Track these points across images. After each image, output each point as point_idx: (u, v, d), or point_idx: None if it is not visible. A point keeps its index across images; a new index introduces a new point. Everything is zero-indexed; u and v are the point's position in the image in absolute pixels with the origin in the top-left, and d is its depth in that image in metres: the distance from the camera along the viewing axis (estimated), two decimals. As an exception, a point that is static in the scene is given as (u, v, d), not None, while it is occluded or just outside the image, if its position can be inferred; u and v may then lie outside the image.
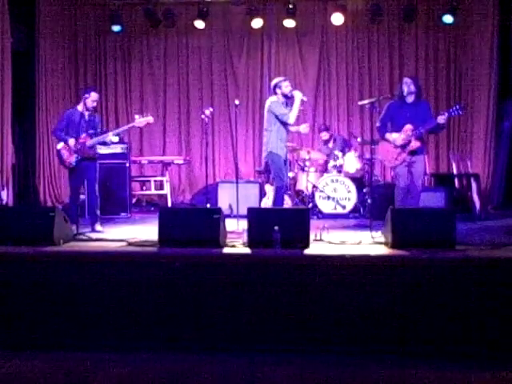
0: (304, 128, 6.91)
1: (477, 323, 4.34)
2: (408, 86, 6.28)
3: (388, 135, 6.31)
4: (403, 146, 6.20)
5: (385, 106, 6.43)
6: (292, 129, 6.80)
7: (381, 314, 4.42)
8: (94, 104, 6.63)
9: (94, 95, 6.61)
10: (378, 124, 6.44)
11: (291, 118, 6.45)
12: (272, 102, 6.52)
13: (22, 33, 8.97)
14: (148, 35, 10.20)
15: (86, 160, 6.56)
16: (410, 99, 6.30)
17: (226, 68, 10.22)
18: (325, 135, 9.12)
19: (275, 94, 6.59)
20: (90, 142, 6.51)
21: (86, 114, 6.63)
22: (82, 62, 10.14)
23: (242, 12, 9.77)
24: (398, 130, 6.24)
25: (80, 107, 6.66)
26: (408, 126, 6.15)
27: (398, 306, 4.43)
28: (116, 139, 6.75)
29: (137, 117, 6.81)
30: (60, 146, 6.64)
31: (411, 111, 6.23)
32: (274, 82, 6.68)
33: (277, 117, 6.45)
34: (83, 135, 6.53)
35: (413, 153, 6.20)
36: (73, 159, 6.56)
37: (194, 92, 10.27)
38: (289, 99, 6.55)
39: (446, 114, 6.07)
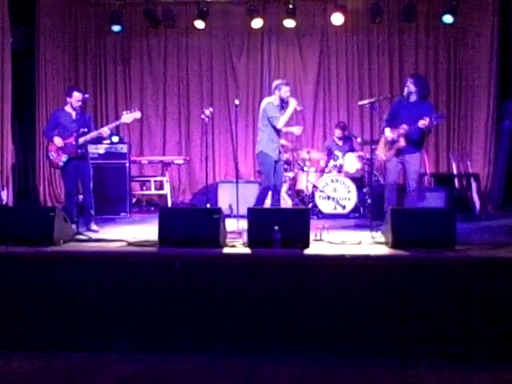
0: (297, 129, 7.04)
1: (477, 323, 4.34)
2: (408, 85, 6.32)
3: (386, 130, 6.39)
4: (391, 143, 6.29)
5: (393, 102, 6.49)
6: (284, 129, 6.88)
7: (381, 313, 4.42)
8: (79, 103, 6.59)
9: (76, 95, 6.59)
10: (383, 124, 6.52)
11: (280, 123, 6.55)
12: (267, 102, 6.62)
13: (22, 33, 8.97)
14: (148, 35, 10.19)
15: (75, 159, 6.54)
16: (413, 99, 6.34)
17: (225, 68, 10.21)
18: (338, 133, 9.03)
19: (274, 94, 6.65)
20: (78, 142, 6.49)
21: (74, 113, 6.63)
22: (81, 62, 10.13)
23: (241, 12, 9.75)
24: (396, 127, 6.28)
25: (67, 108, 6.67)
26: (404, 126, 6.19)
27: (398, 306, 4.43)
28: (108, 132, 6.67)
29: (124, 113, 6.79)
30: (49, 146, 6.68)
31: (410, 111, 6.25)
32: (276, 82, 6.73)
33: (268, 118, 6.53)
34: (73, 135, 6.54)
35: (399, 152, 6.24)
36: (61, 159, 6.57)
37: (194, 92, 10.26)
38: (285, 103, 6.62)
39: (428, 119, 6.06)
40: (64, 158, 6.56)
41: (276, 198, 6.75)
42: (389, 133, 6.34)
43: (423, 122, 6.03)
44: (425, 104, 6.41)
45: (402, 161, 6.30)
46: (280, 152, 6.75)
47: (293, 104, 6.56)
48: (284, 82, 6.68)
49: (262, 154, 6.62)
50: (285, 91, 6.58)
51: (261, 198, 6.64)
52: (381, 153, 6.60)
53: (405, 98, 6.41)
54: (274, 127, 6.54)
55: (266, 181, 6.63)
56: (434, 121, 6.20)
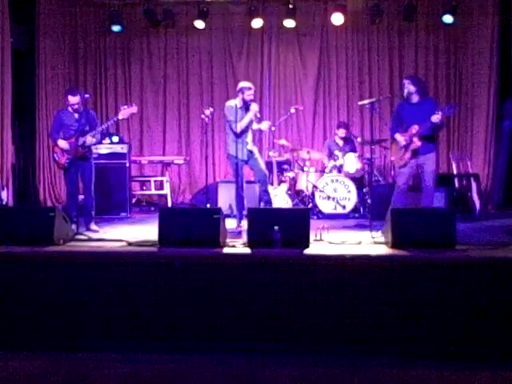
0: (264, 125, 7.10)
1: (477, 323, 4.34)
2: (407, 87, 6.28)
3: (396, 135, 6.34)
4: (406, 146, 6.22)
5: (395, 107, 6.41)
6: (253, 126, 6.96)
7: (381, 313, 4.42)
8: (75, 107, 6.60)
9: (70, 99, 6.60)
10: (392, 131, 6.49)
11: (237, 127, 6.63)
12: (227, 106, 6.77)
13: (22, 33, 8.97)
14: (148, 35, 10.19)
15: (79, 160, 6.55)
16: (415, 99, 6.28)
17: (226, 68, 10.20)
18: (342, 132, 8.95)
19: (238, 96, 6.76)
20: (80, 141, 6.50)
21: (76, 114, 6.63)
22: (82, 62, 10.13)
23: (241, 12, 9.76)
24: (406, 130, 6.25)
25: (70, 108, 6.67)
26: (414, 126, 6.14)
27: (397, 305, 4.43)
28: (91, 140, 6.54)
29: (122, 108, 6.78)
30: (54, 148, 6.70)
31: (416, 111, 6.20)
32: (240, 85, 6.85)
33: (227, 122, 6.70)
34: (75, 135, 6.54)
35: (416, 153, 6.19)
36: (65, 160, 6.57)
37: (194, 92, 10.26)
38: (248, 106, 6.69)
39: (441, 113, 6.06)
40: (68, 158, 6.57)
41: (263, 191, 6.83)
42: (400, 137, 6.27)
43: (437, 117, 6.01)
44: (428, 101, 6.38)
45: (418, 163, 6.25)
46: (251, 151, 6.77)
47: (253, 110, 6.64)
48: (247, 86, 6.76)
49: (229, 157, 6.82)
50: (248, 95, 6.70)
51: (238, 197, 6.70)
52: (396, 159, 6.49)
53: (405, 101, 6.34)
54: (232, 130, 6.66)
55: (234, 180, 6.77)
56: (447, 112, 6.17)
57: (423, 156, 6.22)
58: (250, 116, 6.67)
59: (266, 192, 6.85)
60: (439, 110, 6.14)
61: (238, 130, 6.64)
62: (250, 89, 6.75)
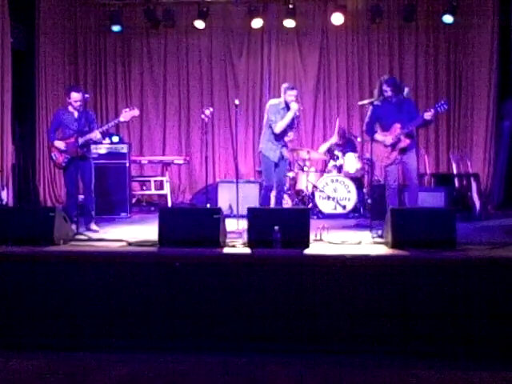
0: (291, 135, 7.00)
1: (477, 323, 4.34)
2: (385, 90, 6.29)
3: (377, 135, 6.32)
4: (393, 145, 6.24)
5: (369, 108, 6.41)
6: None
7: (381, 314, 4.42)
8: (78, 104, 6.57)
9: (73, 96, 6.57)
10: (364, 127, 6.47)
11: (277, 127, 6.58)
12: (270, 104, 6.72)
13: (22, 33, 8.98)
14: (148, 35, 10.19)
15: (77, 160, 6.52)
16: (392, 99, 6.30)
17: (226, 68, 10.21)
18: (340, 140, 8.91)
19: (281, 96, 6.73)
20: (80, 142, 6.48)
21: (76, 113, 6.62)
22: (82, 62, 10.14)
23: (241, 12, 9.78)
24: (387, 129, 6.27)
25: (70, 107, 6.65)
26: (396, 125, 6.19)
27: (398, 305, 4.43)
28: (99, 136, 6.65)
29: (123, 111, 6.79)
30: (51, 147, 6.70)
31: (396, 110, 6.24)
32: (284, 85, 6.79)
33: (268, 121, 6.65)
34: (74, 135, 6.54)
35: (403, 150, 6.23)
36: (63, 159, 6.57)
37: (194, 92, 10.27)
38: (289, 107, 6.65)
39: (433, 111, 6.11)
40: (66, 158, 6.57)
41: (277, 198, 6.79)
42: (383, 137, 6.28)
43: (429, 114, 6.06)
44: (407, 100, 6.45)
45: (401, 161, 6.28)
46: (283, 155, 6.71)
47: (293, 109, 6.58)
48: (290, 86, 6.72)
49: (261, 155, 6.80)
50: (289, 95, 6.63)
51: (263, 198, 6.74)
52: (382, 158, 6.42)
53: (382, 101, 6.32)
54: (271, 129, 6.62)
55: (264, 180, 6.80)
56: (440, 109, 6.20)
57: (407, 154, 6.26)
58: (290, 116, 6.58)
59: (280, 200, 6.82)
60: (430, 107, 6.20)
61: (278, 130, 6.57)
62: (292, 89, 6.67)
